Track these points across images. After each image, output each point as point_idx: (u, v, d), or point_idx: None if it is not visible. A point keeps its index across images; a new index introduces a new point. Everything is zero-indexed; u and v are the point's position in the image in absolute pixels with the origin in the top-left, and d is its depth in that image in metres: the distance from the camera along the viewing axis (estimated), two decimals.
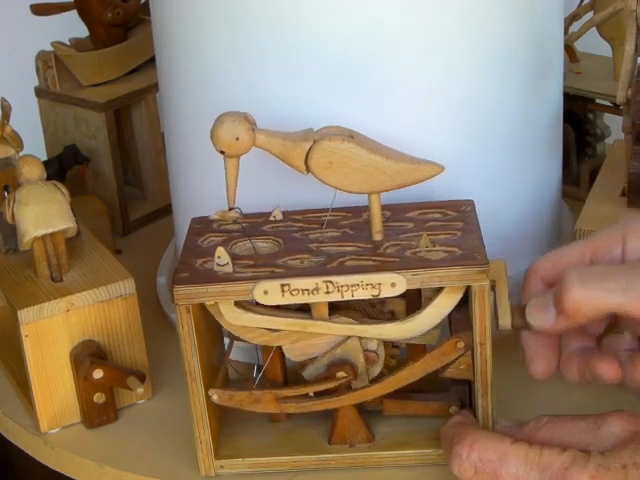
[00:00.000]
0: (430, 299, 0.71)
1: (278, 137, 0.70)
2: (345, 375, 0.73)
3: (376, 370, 0.74)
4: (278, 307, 0.72)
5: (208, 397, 0.73)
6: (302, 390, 0.74)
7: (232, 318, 0.72)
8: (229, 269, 0.70)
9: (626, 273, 0.65)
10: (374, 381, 0.73)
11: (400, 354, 0.75)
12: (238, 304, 0.71)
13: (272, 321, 0.72)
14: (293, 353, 0.74)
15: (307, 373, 0.74)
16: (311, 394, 0.73)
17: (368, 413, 0.76)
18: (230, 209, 0.71)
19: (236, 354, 0.82)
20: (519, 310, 0.69)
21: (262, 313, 0.72)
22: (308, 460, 0.75)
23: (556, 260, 0.71)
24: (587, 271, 0.66)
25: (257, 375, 0.75)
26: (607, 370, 0.68)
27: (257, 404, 0.74)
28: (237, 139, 0.69)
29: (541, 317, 0.68)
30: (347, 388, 0.73)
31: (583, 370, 0.70)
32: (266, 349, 0.75)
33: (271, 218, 0.76)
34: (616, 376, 0.68)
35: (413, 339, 0.73)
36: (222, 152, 0.69)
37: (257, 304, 0.71)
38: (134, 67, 1.10)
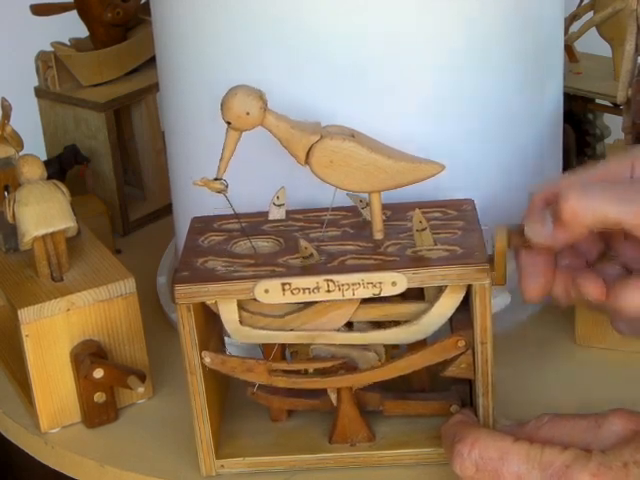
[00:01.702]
0: (433, 300, 0.71)
1: (288, 123, 0.69)
2: (343, 372, 0.73)
3: None
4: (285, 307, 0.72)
5: (209, 395, 0.73)
6: (295, 366, 0.73)
7: (243, 337, 0.72)
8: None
9: (627, 188, 0.66)
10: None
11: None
12: (245, 322, 0.72)
13: (281, 336, 0.72)
14: None
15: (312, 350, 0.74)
16: (311, 371, 0.73)
17: (369, 413, 0.76)
18: (216, 179, 0.70)
19: (237, 353, 0.82)
20: (517, 229, 0.69)
21: (271, 329, 0.72)
22: (309, 459, 0.75)
23: (561, 184, 0.70)
24: (588, 183, 0.66)
25: None
26: (592, 288, 0.68)
27: (249, 373, 0.73)
28: (247, 114, 0.68)
29: (539, 229, 0.68)
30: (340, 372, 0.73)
31: (569, 287, 0.70)
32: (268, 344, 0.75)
33: (274, 200, 0.76)
34: (599, 295, 0.68)
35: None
36: (228, 123, 0.69)
37: (262, 311, 0.71)
38: (134, 67, 1.10)
